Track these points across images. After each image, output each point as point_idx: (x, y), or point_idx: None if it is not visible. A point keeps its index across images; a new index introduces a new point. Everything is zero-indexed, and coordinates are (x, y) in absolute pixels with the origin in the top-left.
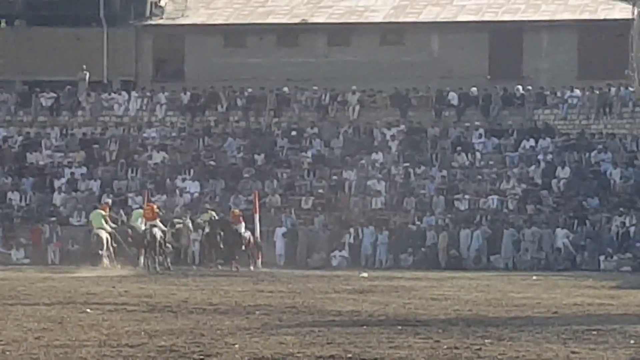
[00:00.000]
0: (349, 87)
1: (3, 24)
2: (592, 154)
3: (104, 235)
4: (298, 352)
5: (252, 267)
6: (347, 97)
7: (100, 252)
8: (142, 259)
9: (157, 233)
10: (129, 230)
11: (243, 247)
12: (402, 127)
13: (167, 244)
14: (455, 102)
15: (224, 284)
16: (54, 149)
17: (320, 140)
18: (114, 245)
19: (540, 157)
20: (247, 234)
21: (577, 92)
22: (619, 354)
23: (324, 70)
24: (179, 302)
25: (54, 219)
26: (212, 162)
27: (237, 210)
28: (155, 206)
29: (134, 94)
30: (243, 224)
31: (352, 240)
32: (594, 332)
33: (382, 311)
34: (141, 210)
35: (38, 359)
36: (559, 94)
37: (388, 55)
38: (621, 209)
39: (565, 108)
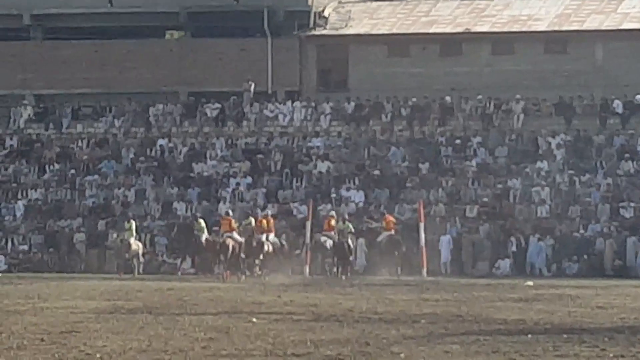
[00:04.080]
0: (513, 95)
1: (169, 35)
2: None
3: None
4: None
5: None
6: (511, 105)
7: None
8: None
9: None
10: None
11: (261, 257)
12: (567, 135)
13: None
14: (619, 110)
15: (389, 293)
16: (219, 159)
17: (484, 149)
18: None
19: None
20: (267, 244)
21: None
22: None
23: (487, 79)
24: (345, 311)
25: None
26: (376, 172)
27: (264, 219)
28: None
29: (298, 104)
30: (264, 233)
31: (515, 249)
32: None
33: (548, 319)
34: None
35: None
36: None
37: (552, 63)
38: None
39: None
